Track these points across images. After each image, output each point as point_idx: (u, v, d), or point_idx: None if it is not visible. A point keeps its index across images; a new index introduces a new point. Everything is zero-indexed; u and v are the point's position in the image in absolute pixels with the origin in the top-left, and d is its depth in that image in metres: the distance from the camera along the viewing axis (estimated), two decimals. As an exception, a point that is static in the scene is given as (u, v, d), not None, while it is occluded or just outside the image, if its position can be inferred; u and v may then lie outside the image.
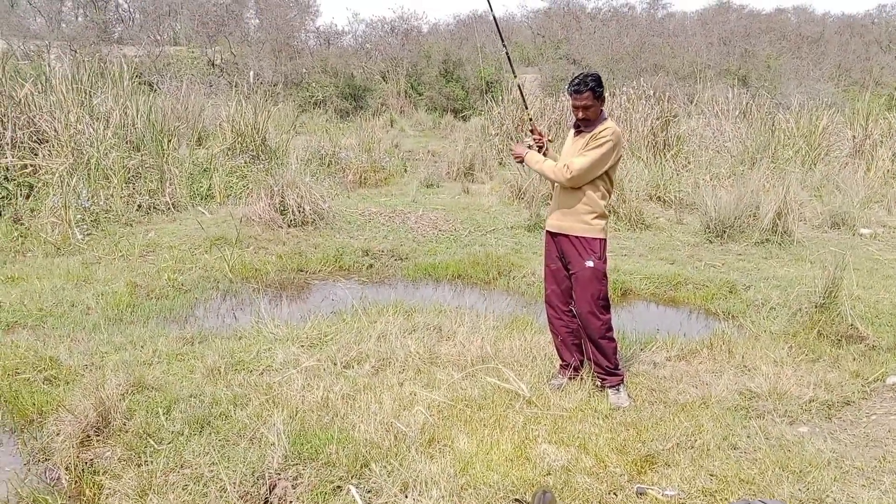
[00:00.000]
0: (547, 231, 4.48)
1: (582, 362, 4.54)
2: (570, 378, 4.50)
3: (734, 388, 4.55)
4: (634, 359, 5.03)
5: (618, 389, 4.35)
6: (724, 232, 8.89)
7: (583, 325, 4.34)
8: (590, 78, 4.13)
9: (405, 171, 12.87)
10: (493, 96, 16.30)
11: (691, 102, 17.57)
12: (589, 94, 4.09)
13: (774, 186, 9.59)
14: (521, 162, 4.47)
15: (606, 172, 4.19)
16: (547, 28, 37.84)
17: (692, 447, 3.80)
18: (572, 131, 4.37)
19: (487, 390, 4.40)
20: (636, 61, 28.50)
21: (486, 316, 5.70)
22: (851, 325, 5.55)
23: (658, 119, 13.29)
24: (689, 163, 12.51)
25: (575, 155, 4.19)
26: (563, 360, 4.60)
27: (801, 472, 3.58)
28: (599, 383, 4.41)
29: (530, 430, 3.91)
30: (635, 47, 30.07)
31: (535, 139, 4.51)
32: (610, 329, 4.36)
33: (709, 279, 7.27)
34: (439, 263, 7.56)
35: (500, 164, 13.42)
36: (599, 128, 4.14)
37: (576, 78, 4.18)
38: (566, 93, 4.26)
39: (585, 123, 4.20)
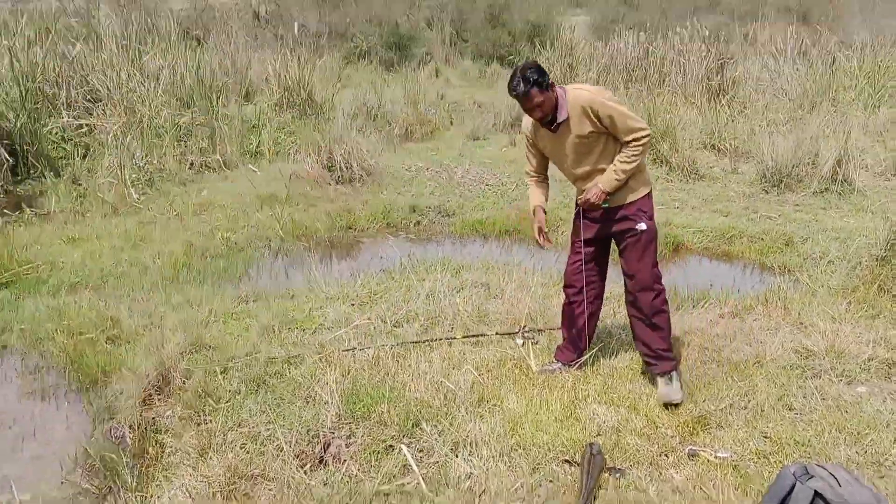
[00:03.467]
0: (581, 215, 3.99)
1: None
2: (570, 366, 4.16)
3: (790, 346, 4.46)
4: (686, 316, 4.95)
5: (670, 378, 3.83)
6: (781, 181, 8.59)
7: (637, 302, 3.85)
8: (528, 72, 3.50)
9: (451, 123, 12.72)
10: (541, 41, 15.90)
11: (749, 43, 16.84)
12: (535, 91, 3.50)
13: (835, 132, 9.19)
14: (607, 195, 3.73)
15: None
16: (596, -33, 36.48)
17: (746, 408, 3.76)
18: (540, 130, 3.78)
19: (535, 349, 4.41)
20: (690, -1, 27.35)
21: (535, 273, 5.69)
22: (915, 279, 5.35)
23: (713, 61, 12.78)
24: (745, 108, 12.03)
25: (588, 143, 3.65)
26: (575, 350, 4.20)
27: (858, 434, 3.52)
28: (647, 369, 3.99)
29: (580, 389, 3.92)
30: (689, -16, 28.80)
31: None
32: (666, 300, 3.92)
33: (764, 232, 7.07)
34: (486, 219, 7.53)
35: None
36: (575, 103, 3.58)
37: (511, 80, 3.55)
38: (509, 95, 3.61)
39: (552, 117, 3.64)
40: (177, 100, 10.10)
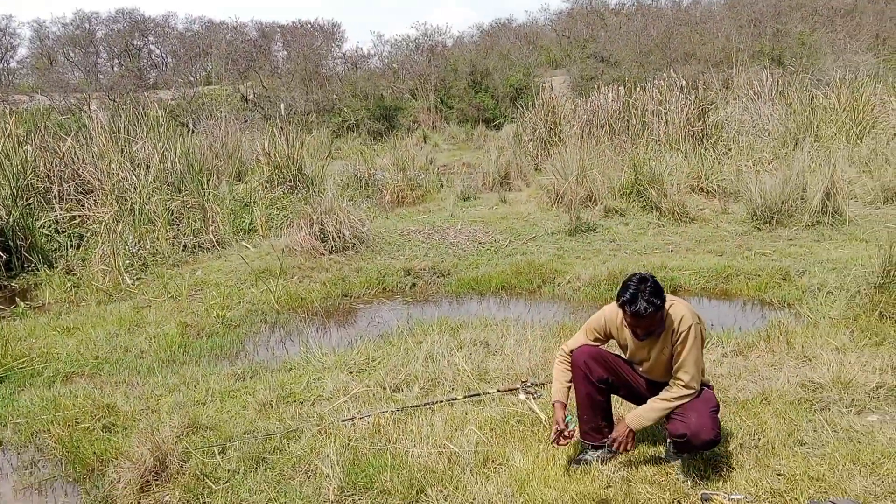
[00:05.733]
0: None
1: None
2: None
3: (795, 380, 4.39)
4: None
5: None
6: (772, 218, 8.64)
7: (698, 444, 3.44)
8: (647, 292, 3.31)
9: (441, 186, 12.87)
10: (523, 102, 16.23)
11: (726, 88, 17.19)
12: (652, 314, 3.34)
13: (820, 166, 9.28)
14: (633, 433, 3.53)
15: None
16: (571, 28, 37.68)
17: (756, 447, 3.67)
18: (627, 330, 3.59)
19: (539, 402, 4.33)
20: (665, 52, 28.07)
21: (533, 326, 5.65)
22: (915, 303, 5.32)
23: (694, 108, 13.03)
24: (729, 150, 12.21)
25: (664, 362, 3.55)
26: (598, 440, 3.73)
27: (873, 464, 3.42)
28: (674, 450, 3.66)
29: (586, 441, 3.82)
30: (663, 38, 29.63)
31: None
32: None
33: (760, 268, 7.07)
34: (482, 276, 7.52)
35: (536, 169, 13.31)
36: (670, 322, 3.46)
37: (625, 292, 3.35)
38: (618, 306, 3.43)
39: (652, 331, 3.50)
40: (168, 184, 10.23)
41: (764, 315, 6.09)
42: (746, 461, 3.54)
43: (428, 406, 4.38)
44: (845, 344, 4.86)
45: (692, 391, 3.44)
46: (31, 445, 4.48)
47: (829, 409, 4.01)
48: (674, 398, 3.46)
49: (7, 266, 8.36)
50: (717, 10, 35.50)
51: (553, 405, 3.68)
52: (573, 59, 30.81)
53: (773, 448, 3.63)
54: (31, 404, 4.91)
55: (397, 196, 12.22)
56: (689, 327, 3.42)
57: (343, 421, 4.24)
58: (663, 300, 3.38)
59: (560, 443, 3.53)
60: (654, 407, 3.51)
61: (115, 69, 34.09)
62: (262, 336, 6.44)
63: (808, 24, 29.36)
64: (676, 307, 3.48)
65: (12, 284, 8.23)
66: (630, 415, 3.56)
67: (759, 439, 3.72)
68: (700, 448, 3.46)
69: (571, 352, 3.74)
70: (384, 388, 4.69)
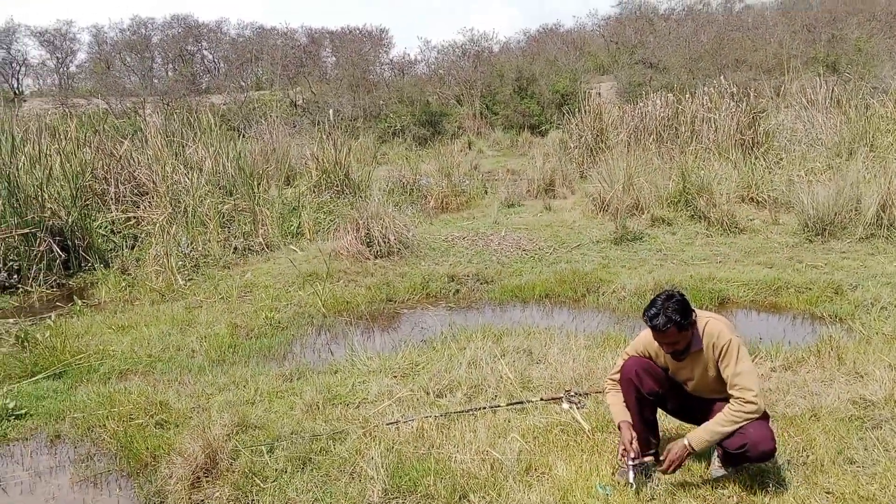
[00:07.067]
0: None
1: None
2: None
3: (846, 396, 4.31)
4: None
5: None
6: (825, 229, 8.45)
7: (755, 456, 3.37)
8: (670, 309, 3.34)
9: (485, 192, 12.90)
10: (569, 108, 16.16)
11: (778, 95, 16.85)
12: (673, 331, 3.36)
13: (875, 177, 9.05)
14: (689, 455, 3.44)
15: None
16: (620, 34, 37.29)
17: (805, 464, 3.62)
18: (666, 357, 3.60)
19: (583, 413, 4.33)
20: (716, 58, 27.60)
21: (577, 335, 5.64)
22: (975, 321, 5.16)
23: (744, 116, 12.82)
24: (780, 159, 11.97)
25: (710, 380, 3.52)
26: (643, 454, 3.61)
27: (928, 486, 3.34)
28: (720, 464, 3.61)
29: (630, 452, 3.81)
30: (714, 44, 29.16)
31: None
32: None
33: (811, 281, 6.92)
34: (525, 284, 7.52)
35: (581, 176, 13.25)
36: (708, 339, 3.45)
37: (651, 308, 3.40)
38: (643, 318, 3.45)
39: (685, 350, 3.48)
40: (220, 188, 10.48)
41: (814, 329, 5.97)
42: (794, 478, 3.49)
43: (471, 412, 4.42)
44: (900, 361, 4.74)
45: (756, 406, 3.30)
46: (87, 439, 4.65)
47: (881, 428, 3.92)
48: (740, 415, 3.31)
49: (65, 265, 8.68)
50: (770, 16, 34.81)
51: (619, 427, 3.60)
52: (621, 64, 30.51)
53: (822, 466, 3.57)
54: (87, 399, 5.10)
55: (442, 202, 12.29)
56: (729, 341, 3.39)
57: (388, 424, 4.30)
58: (687, 318, 3.38)
59: (629, 457, 3.47)
60: (719, 425, 3.35)
61: (170, 74, 35.00)
62: (309, 338, 6.56)
63: (864, 29, 28.55)
64: (712, 324, 3.47)
65: (70, 283, 8.55)
66: (692, 434, 3.43)
67: (808, 456, 3.67)
68: (757, 460, 3.40)
69: (618, 371, 3.73)
70: (428, 393, 4.75)
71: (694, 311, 3.46)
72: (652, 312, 3.38)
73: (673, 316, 3.33)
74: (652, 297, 3.52)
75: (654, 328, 3.39)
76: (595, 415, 4.30)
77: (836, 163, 11.03)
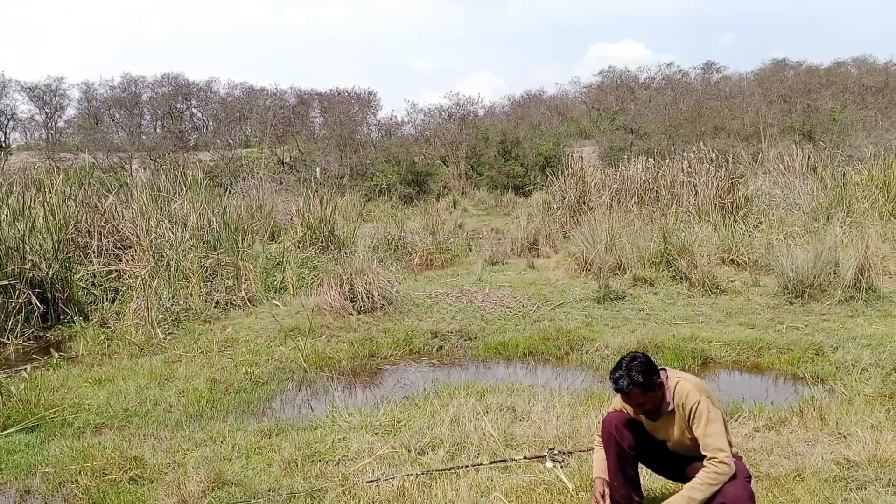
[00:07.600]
0: None
1: None
2: None
3: (830, 457, 4.29)
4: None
5: None
6: (804, 292, 8.55)
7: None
8: (633, 370, 3.36)
9: (470, 250, 12.98)
10: (552, 170, 16.45)
11: (756, 162, 17.26)
12: (637, 392, 3.38)
13: (853, 241, 9.22)
14: None
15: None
16: (601, 101, 38.36)
17: (790, 525, 3.57)
18: (642, 416, 3.60)
19: (566, 471, 4.27)
20: (695, 125, 28.36)
21: (561, 393, 5.61)
22: (954, 382, 5.20)
23: (723, 181, 13.09)
24: (760, 223, 12.19)
25: (687, 440, 3.48)
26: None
27: (914, 548, 3.30)
28: None
29: (614, 511, 3.75)
30: (692, 112, 30.00)
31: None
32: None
33: (793, 342, 6.97)
34: (509, 341, 7.51)
35: (565, 236, 13.38)
36: (678, 399, 3.44)
37: (616, 370, 3.42)
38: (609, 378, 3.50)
39: (656, 410, 3.50)
40: (204, 242, 10.47)
41: (797, 390, 5.98)
42: (780, 539, 3.44)
43: (453, 471, 4.35)
44: (881, 422, 4.76)
45: (728, 468, 3.27)
46: (58, 495, 4.50)
47: (866, 489, 3.90)
48: (714, 477, 3.26)
49: (44, 317, 8.56)
50: (747, 86, 35.96)
51: (594, 481, 3.65)
52: (602, 130, 31.24)
53: (808, 527, 3.53)
54: (60, 454, 4.96)
55: (426, 259, 12.33)
56: (697, 402, 3.38)
57: (368, 482, 4.21)
58: (650, 379, 3.39)
59: None
60: (696, 491, 3.27)
61: (158, 130, 35.29)
62: (290, 394, 6.46)
63: (838, 100, 29.56)
64: (682, 384, 3.47)
65: (48, 335, 8.42)
66: (668, 502, 3.34)
67: (793, 517, 3.63)
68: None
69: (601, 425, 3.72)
70: (409, 451, 4.67)
71: (662, 370, 3.48)
72: (617, 375, 3.41)
73: (636, 377, 3.35)
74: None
75: (618, 390, 3.43)
76: (579, 473, 4.24)
77: (814, 227, 11.25)
